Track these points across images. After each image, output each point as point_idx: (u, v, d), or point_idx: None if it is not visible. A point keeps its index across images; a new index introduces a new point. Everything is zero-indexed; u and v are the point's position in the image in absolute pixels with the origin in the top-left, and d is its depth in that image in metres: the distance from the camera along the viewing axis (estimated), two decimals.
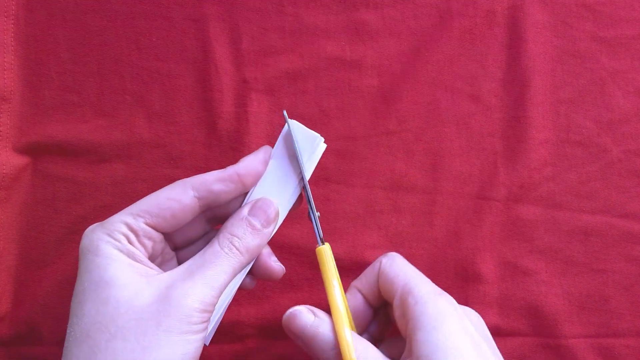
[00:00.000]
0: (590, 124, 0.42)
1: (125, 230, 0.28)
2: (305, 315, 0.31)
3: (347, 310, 0.32)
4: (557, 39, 0.42)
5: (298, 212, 0.40)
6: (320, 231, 0.33)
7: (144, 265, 0.28)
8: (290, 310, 0.31)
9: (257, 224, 0.30)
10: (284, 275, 0.40)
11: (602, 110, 0.42)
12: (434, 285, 0.32)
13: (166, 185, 0.30)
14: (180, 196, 0.29)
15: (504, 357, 0.42)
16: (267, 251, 0.32)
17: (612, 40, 0.42)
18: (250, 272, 0.32)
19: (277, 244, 0.40)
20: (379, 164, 0.41)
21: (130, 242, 0.28)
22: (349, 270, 0.40)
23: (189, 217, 0.29)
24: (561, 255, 0.41)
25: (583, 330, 0.41)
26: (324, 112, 0.40)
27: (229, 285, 0.29)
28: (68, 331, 0.26)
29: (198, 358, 0.27)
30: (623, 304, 0.41)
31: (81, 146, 0.39)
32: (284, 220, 0.40)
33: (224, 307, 0.31)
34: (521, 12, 0.41)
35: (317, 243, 0.33)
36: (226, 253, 0.28)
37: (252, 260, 0.30)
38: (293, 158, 0.32)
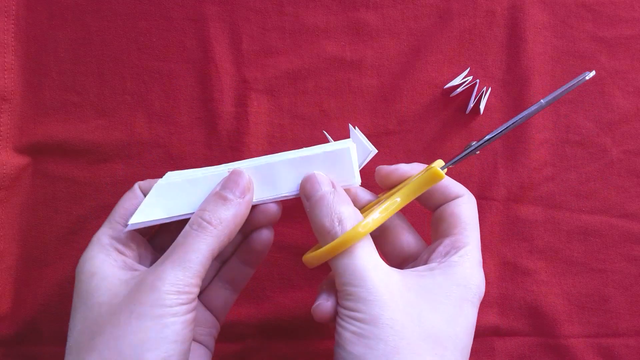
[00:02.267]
0: (590, 124, 0.42)
1: (107, 240, 0.29)
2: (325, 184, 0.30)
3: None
4: (557, 39, 0.42)
5: (297, 212, 0.40)
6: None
7: (129, 268, 0.28)
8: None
9: (229, 194, 0.29)
10: (284, 275, 0.40)
11: (602, 110, 0.42)
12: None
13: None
14: (131, 197, 0.30)
15: (503, 357, 0.42)
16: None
17: (612, 40, 0.42)
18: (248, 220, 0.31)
19: (277, 244, 0.40)
20: (379, 164, 0.41)
21: (116, 249, 0.29)
22: None
23: None
24: (561, 255, 0.41)
25: (583, 330, 0.41)
26: (324, 112, 0.40)
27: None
28: (66, 346, 0.27)
29: (185, 339, 0.26)
30: (623, 304, 0.41)
31: (81, 146, 0.39)
32: (284, 221, 0.40)
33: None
34: (521, 12, 0.41)
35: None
36: (195, 230, 0.27)
37: (231, 232, 0.29)
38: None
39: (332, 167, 0.31)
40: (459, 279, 0.28)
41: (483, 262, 0.41)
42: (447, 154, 0.41)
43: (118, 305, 0.26)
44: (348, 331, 0.26)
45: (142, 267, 0.29)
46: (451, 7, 0.41)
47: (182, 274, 0.26)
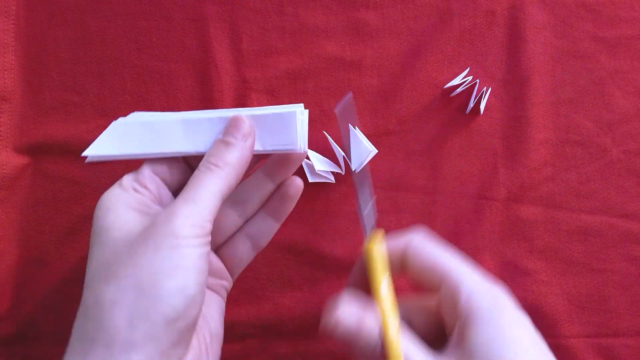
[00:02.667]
0: (590, 124, 0.42)
1: (129, 180, 0.30)
2: (349, 310, 0.29)
3: (394, 306, 0.30)
4: (557, 39, 0.42)
5: (298, 211, 0.40)
6: (367, 222, 0.33)
7: (145, 206, 0.29)
8: (333, 304, 0.29)
9: (230, 139, 0.30)
10: (284, 275, 0.40)
11: (602, 110, 0.42)
12: (479, 272, 0.30)
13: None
14: None
15: None
16: None
17: (612, 40, 0.42)
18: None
19: (277, 243, 0.40)
20: (379, 164, 0.41)
21: (135, 189, 0.29)
22: (349, 270, 0.40)
23: (181, 163, 0.31)
24: (561, 255, 0.41)
25: (583, 329, 0.41)
26: (324, 112, 0.40)
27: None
28: (84, 285, 0.27)
29: (201, 270, 0.26)
30: (622, 304, 0.41)
31: (81, 146, 0.39)
32: (285, 221, 0.40)
33: None
34: (521, 12, 0.41)
35: (365, 233, 0.33)
36: (202, 171, 0.29)
37: (238, 174, 0.30)
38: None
39: (279, 130, 0.31)
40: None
41: (483, 262, 0.41)
42: (448, 154, 0.41)
43: (134, 239, 0.26)
44: None
45: (158, 208, 0.29)
46: (451, 7, 0.41)
47: (195, 207, 0.27)
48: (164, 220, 0.26)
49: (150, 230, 0.26)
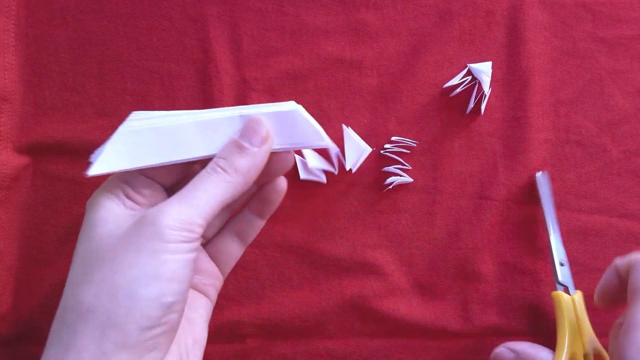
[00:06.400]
0: (589, 124, 0.42)
1: (119, 183, 0.28)
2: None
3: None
4: (557, 39, 0.42)
5: (297, 211, 0.40)
6: (560, 276, 0.37)
7: (137, 209, 0.27)
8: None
9: (245, 143, 0.28)
10: (284, 275, 0.40)
11: (602, 110, 0.42)
12: None
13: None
14: None
15: None
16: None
17: (611, 41, 0.42)
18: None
19: (277, 243, 0.40)
20: (380, 165, 0.41)
21: (126, 194, 0.28)
22: (348, 270, 0.40)
23: (179, 166, 0.29)
24: None
25: None
26: (324, 112, 0.40)
27: None
28: (66, 280, 0.26)
29: (182, 279, 0.25)
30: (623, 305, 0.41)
31: (81, 146, 0.39)
32: (285, 221, 0.40)
33: None
34: (521, 12, 0.41)
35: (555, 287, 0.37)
36: (209, 173, 0.27)
37: (247, 181, 0.28)
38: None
39: (292, 129, 0.29)
40: None
41: (483, 262, 0.41)
42: (448, 154, 0.41)
43: (118, 238, 0.25)
44: None
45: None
46: (451, 7, 0.41)
47: (188, 210, 0.25)
48: (150, 220, 0.25)
49: (135, 230, 0.25)
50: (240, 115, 0.29)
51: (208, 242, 0.33)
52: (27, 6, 0.39)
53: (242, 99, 0.40)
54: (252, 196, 0.33)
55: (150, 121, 0.29)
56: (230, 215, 0.34)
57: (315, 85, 0.41)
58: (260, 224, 0.34)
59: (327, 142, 0.30)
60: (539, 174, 0.40)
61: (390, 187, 0.40)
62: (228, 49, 0.40)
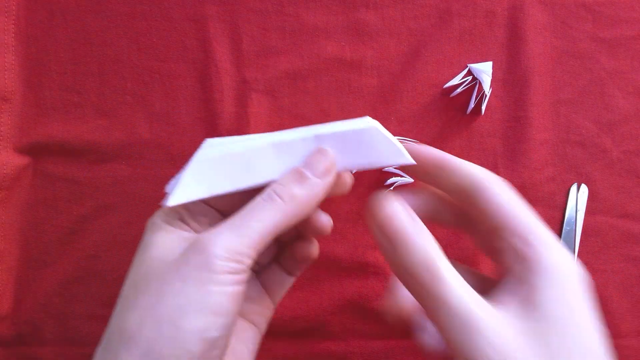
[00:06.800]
0: (590, 124, 0.42)
1: (178, 208, 0.27)
2: (404, 216, 0.25)
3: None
4: (557, 39, 0.42)
5: None
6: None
7: (192, 233, 0.27)
8: (387, 200, 0.25)
9: (307, 173, 0.26)
10: None
11: (602, 110, 0.42)
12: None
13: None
14: None
15: None
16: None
17: (611, 41, 0.42)
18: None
19: None
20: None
21: (182, 219, 0.27)
22: (349, 270, 0.40)
23: (238, 194, 0.28)
24: None
25: None
26: (324, 112, 0.40)
27: None
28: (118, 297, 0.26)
29: (228, 312, 0.24)
30: (623, 305, 0.41)
31: (82, 146, 0.39)
32: None
33: None
34: (521, 12, 0.41)
35: None
36: (264, 200, 0.25)
37: (303, 211, 0.26)
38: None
39: (368, 148, 0.28)
40: (564, 295, 0.24)
41: (483, 262, 0.41)
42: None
43: (168, 264, 0.24)
44: None
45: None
46: (451, 8, 0.41)
47: (238, 240, 0.24)
48: (200, 248, 0.24)
49: (184, 257, 0.24)
50: (315, 136, 0.28)
51: (261, 270, 0.32)
52: (27, 6, 0.39)
53: (242, 99, 0.40)
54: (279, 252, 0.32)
55: (225, 147, 0.28)
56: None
57: (315, 85, 0.41)
58: (307, 264, 0.32)
59: (407, 158, 0.28)
60: (577, 186, 0.40)
61: (392, 188, 0.40)
62: (228, 49, 0.40)
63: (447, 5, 0.41)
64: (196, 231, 0.27)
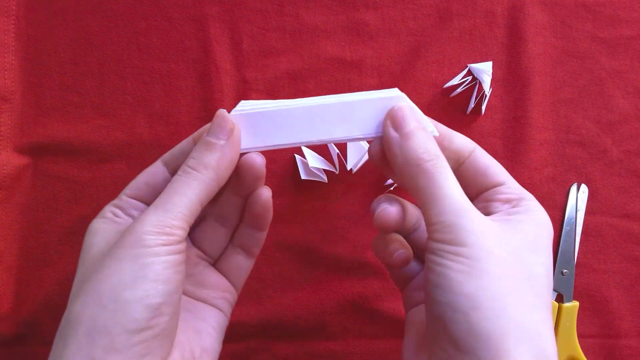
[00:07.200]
0: (590, 124, 0.42)
1: (111, 208, 0.29)
2: (414, 115, 0.29)
3: None
4: (557, 39, 0.42)
5: (298, 212, 0.40)
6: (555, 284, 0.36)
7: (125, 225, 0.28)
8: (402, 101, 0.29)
9: (212, 139, 0.28)
10: (285, 275, 0.40)
11: (602, 110, 0.42)
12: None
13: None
14: (151, 168, 0.31)
15: None
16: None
17: (611, 41, 0.42)
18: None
19: (278, 244, 0.40)
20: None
21: (116, 215, 0.29)
22: (349, 270, 0.40)
23: (162, 183, 0.30)
24: None
25: (584, 330, 0.41)
26: None
27: None
28: None
29: (167, 279, 0.25)
30: (624, 305, 0.41)
31: (82, 146, 0.39)
32: (285, 221, 0.40)
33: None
34: (521, 12, 0.41)
35: None
36: (179, 175, 0.27)
37: (219, 177, 0.28)
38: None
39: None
40: (539, 224, 0.28)
41: None
42: None
43: (104, 252, 0.26)
44: (453, 270, 0.25)
45: None
46: (451, 7, 0.41)
47: (163, 214, 0.26)
48: (130, 229, 0.26)
49: (117, 242, 0.26)
50: (345, 102, 0.29)
51: (218, 259, 0.33)
52: (27, 6, 0.39)
53: (242, 99, 0.40)
54: (244, 211, 0.33)
55: (259, 106, 0.30)
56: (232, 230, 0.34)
57: (315, 85, 0.41)
58: (260, 235, 0.34)
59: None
60: (577, 186, 0.40)
61: (392, 188, 0.40)
62: (228, 49, 0.40)
63: (447, 5, 0.41)
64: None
